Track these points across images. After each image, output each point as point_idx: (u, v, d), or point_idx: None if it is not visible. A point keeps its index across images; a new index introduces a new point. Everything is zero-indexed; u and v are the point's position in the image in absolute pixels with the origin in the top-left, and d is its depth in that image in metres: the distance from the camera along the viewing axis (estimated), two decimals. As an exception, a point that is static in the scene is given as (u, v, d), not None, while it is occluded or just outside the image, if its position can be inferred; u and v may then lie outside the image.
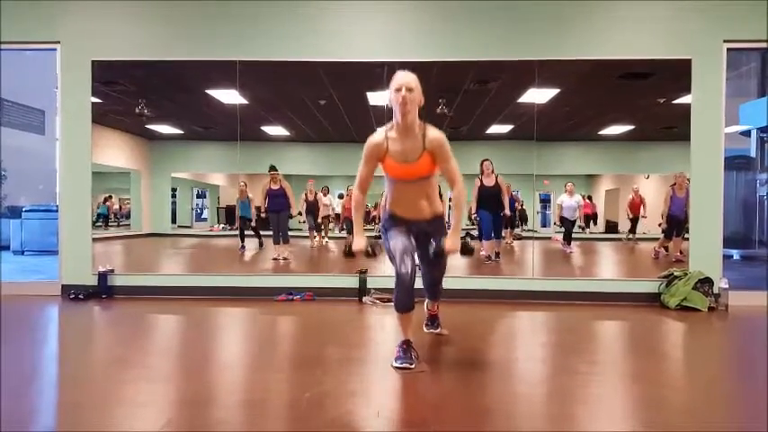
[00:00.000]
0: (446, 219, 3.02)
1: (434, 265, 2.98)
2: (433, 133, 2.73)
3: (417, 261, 2.88)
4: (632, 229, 6.42)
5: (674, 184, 5.25)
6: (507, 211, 5.79)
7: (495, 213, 5.77)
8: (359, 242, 2.85)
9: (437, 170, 2.80)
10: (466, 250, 2.95)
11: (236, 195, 6.35)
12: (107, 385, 2.53)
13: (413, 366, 2.71)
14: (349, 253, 2.91)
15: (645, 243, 6.32)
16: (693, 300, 4.46)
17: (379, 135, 2.79)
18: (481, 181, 5.66)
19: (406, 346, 2.80)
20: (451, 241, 2.81)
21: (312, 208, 6.55)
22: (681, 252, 4.89)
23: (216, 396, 2.43)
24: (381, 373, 2.71)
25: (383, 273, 5.02)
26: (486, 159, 5.57)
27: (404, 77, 2.68)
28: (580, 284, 4.85)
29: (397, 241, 2.79)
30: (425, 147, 2.71)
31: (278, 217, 6.03)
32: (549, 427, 2.10)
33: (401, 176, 2.79)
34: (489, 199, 5.68)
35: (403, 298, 2.75)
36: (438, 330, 3.41)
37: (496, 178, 5.63)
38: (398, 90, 2.64)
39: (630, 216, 6.40)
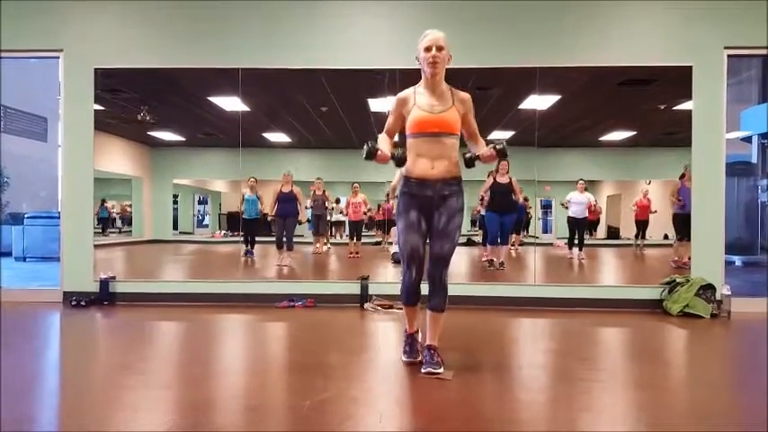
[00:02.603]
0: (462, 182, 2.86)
1: (445, 237, 2.77)
2: (462, 92, 2.83)
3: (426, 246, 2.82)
4: (641, 235, 6.38)
5: (683, 175, 5.11)
6: (520, 198, 5.61)
7: (504, 214, 5.62)
8: (386, 149, 2.71)
9: (460, 130, 2.80)
10: (502, 153, 2.74)
11: (237, 202, 6.35)
12: (109, 391, 2.53)
13: (419, 359, 2.84)
14: (369, 155, 2.61)
15: (652, 249, 6.31)
16: (696, 306, 4.44)
17: (407, 90, 2.85)
18: (494, 178, 5.52)
19: (411, 341, 2.97)
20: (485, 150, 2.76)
21: (320, 206, 6.43)
22: (689, 258, 4.80)
23: (217, 402, 2.42)
24: (383, 379, 2.70)
25: (385, 279, 5.03)
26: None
27: (434, 36, 2.74)
28: (582, 291, 4.83)
29: (408, 239, 2.77)
30: (454, 102, 2.78)
31: (284, 222, 5.99)
32: (552, 434, 2.10)
33: (428, 128, 2.72)
34: (501, 197, 5.54)
35: (408, 296, 2.90)
36: (440, 371, 2.69)
37: (510, 179, 5.54)
38: (429, 49, 2.72)
39: (638, 219, 6.34)
